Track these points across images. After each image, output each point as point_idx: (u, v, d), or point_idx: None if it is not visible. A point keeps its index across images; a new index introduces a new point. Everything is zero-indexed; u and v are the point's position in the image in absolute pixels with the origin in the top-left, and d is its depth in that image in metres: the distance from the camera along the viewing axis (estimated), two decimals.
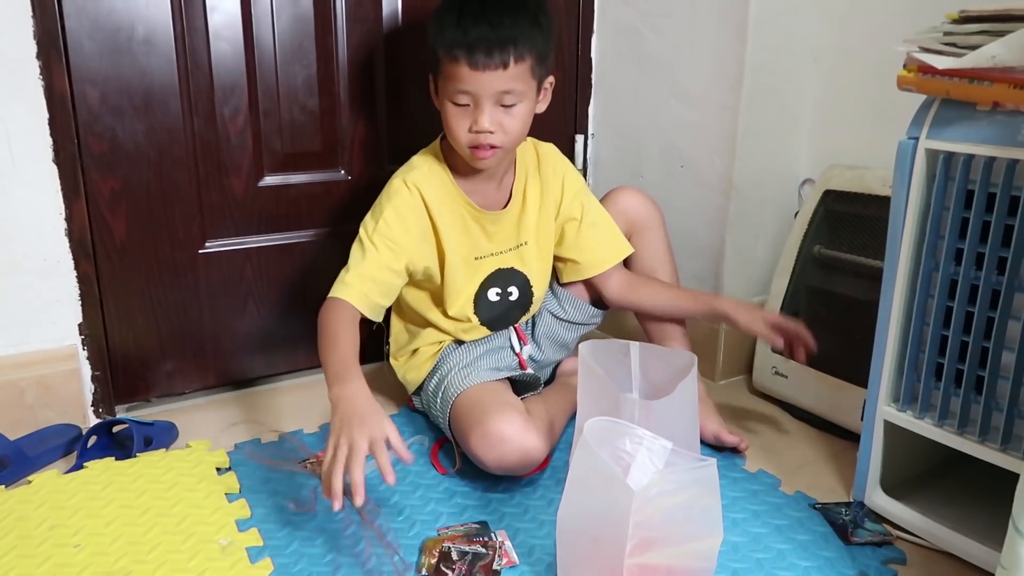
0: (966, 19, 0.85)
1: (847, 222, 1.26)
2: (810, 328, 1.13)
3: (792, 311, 1.34)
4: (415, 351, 1.27)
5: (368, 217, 1.14)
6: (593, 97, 1.65)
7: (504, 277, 1.23)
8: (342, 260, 1.12)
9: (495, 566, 0.90)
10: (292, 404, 1.36)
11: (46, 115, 1.14)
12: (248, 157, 1.32)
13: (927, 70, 0.86)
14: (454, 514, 1.02)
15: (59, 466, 1.14)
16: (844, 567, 0.92)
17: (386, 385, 1.41)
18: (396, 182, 1.16)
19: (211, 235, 1.32)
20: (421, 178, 1.15)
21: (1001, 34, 0.79)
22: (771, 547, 0.96)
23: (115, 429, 1.20)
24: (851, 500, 1.06)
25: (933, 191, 0.91)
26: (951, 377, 0.92)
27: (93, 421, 1.26)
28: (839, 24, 1.35)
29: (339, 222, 1.42)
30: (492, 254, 1.22)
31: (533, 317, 1.31)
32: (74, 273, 1.21)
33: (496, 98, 1.06)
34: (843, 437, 1.24)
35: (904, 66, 0.89)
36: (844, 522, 1.00)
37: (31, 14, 1.10)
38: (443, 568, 0.89)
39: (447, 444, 1.18)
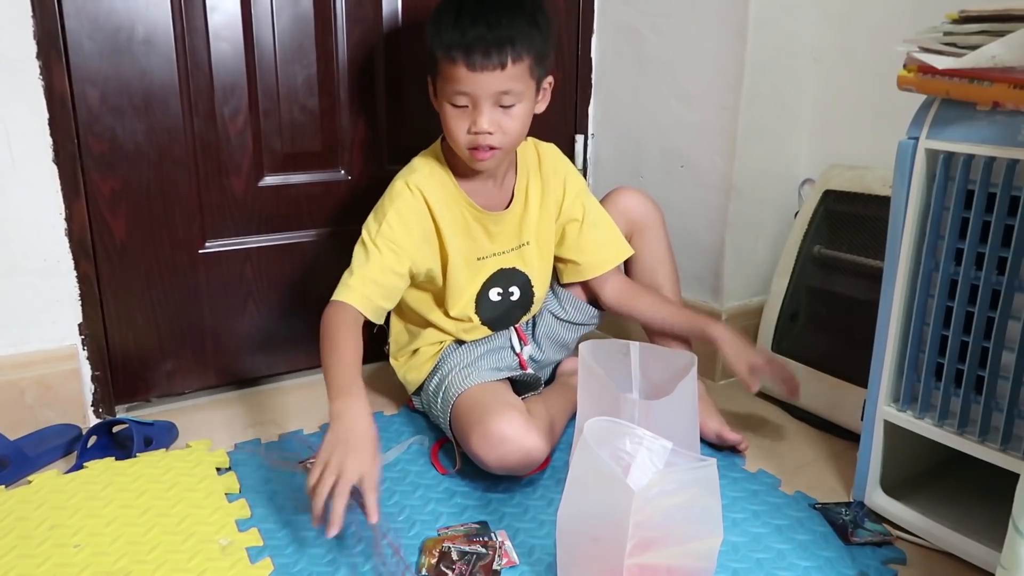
0: (966, 19, 0.85)
1: (847, 222, 1.26)
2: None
3: (792, 311, 1.34)
4: (415, 351, 1.27)
5: (371, 219, 1.14)
6: (593, 97, 1.65)
7: (506, 277, 1.23)
8: (342, 260, 1.13)
9: (495, 566, 0.90)
10: (292, 404, 1.36)
11: (46, 115, 1.14)
12: (248, 157, 1.32)
13: (927, 70, 0.86)
14: (454, 514, 1.02)
15: (59, 466, 1.14)
16: (844, 567, 0.92)
17: (386, 385, 1.42)
18: (398, 184, 1.16)
19: (211, 235, 1.32)
20: (423, 180, 1.15)
21: (1001, 34, 0.79)
22: (771, 547, 0.96)
23: (115, 429, 1.20)
24: (851, 500, 1.06)
25: (933, 191, 0.91)
26: (951, 377, 0.92)
27: (93, 421, 1.26)
28: (839, 24, 1.35)
29: (339, 222, 1.42)
30: (494, 254, 1.22)
31: (534, 317, 1.31)
32: (74, 273, 1.21)
33: (494, 99, 1.06)
34: (843, 437, 1.24)
35: (904, 66, 0.89)
36: (844, 522, 1.00)
37: (31, 14, 1.10)
38: (443, 568, 0.89)
39: (447, 444, 1.18)
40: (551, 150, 1.26)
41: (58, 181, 1.17)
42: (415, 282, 1.19)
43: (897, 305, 0.96)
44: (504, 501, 1.05)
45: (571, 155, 1.64)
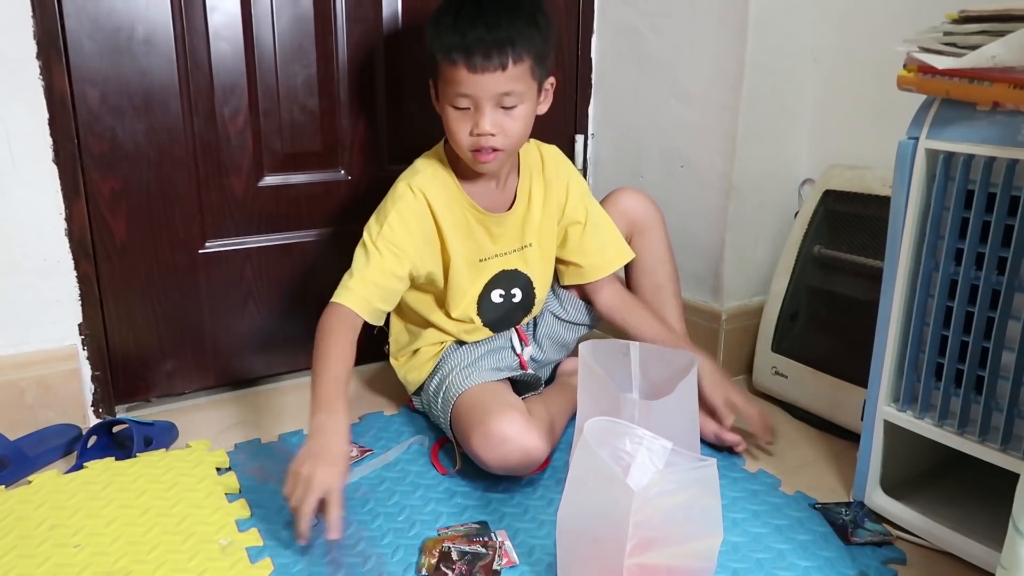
0: (966, 19, 0.85)
1: (847, 222, 1.27)
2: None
3: (792, 311, 1.34)
4: (416, 351, 1.27)
5: (372, 221, 1.14)
6: (593, 97, 1.65)
7: (508, 279, 1.23)
8: (342, 260, 1.13)
9: (495, 566, 0.90)
10: (292, 404, 1.36)
11: (46, 115, 1.14)
12: (248, 157, 1.32)
13: (927, 70, 0.86)
14: (454, 514, 1.02)
15: (59, 466, 1.14)
16: (844, 567, 0.92)
17: (386, 385, 1.42)
18: (401, 186, 1.16)
19: (211, 235, 1.32)
20: (425, 182, 1.15)
21: (1001, 34, 0.79)
22: (771, 547, 0.96)
23: (115, 429, 1.20)
24: (851, 500, 1.06)
25: (933, 191, 0.91)
26: (951, 377, 0.92)
27: (93, 421, 1.26)
28: (839, 24, 1.35)
29: (339, 222, 1.42)
30: (496, 255, 1.22)
31: (535, 318, 1.31)
32: (74, 273, 1.21)
33: (496, 100, 1.06)
34: (843, 437, 1.24)
35: (904, 66, 0.89)
36: (844, 522, 1.00)
37: (31, 14, 1.10)
38: (443, 568, 0.89)
39: (447, 444, 1.18)
40: (554, 152, 1.26)
41: (58, 181, 1.17)
42: (416, 284, 1.19)
43: (897, 305, 0.96)
44: (504, 501, 1.05)
45: (571, 155, 1.64)
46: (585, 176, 1.66)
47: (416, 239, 1.13)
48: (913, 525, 0.98)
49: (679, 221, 1.44)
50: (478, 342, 1.26)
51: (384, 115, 1.43)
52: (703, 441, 1.17)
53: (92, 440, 1.16)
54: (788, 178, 1.46)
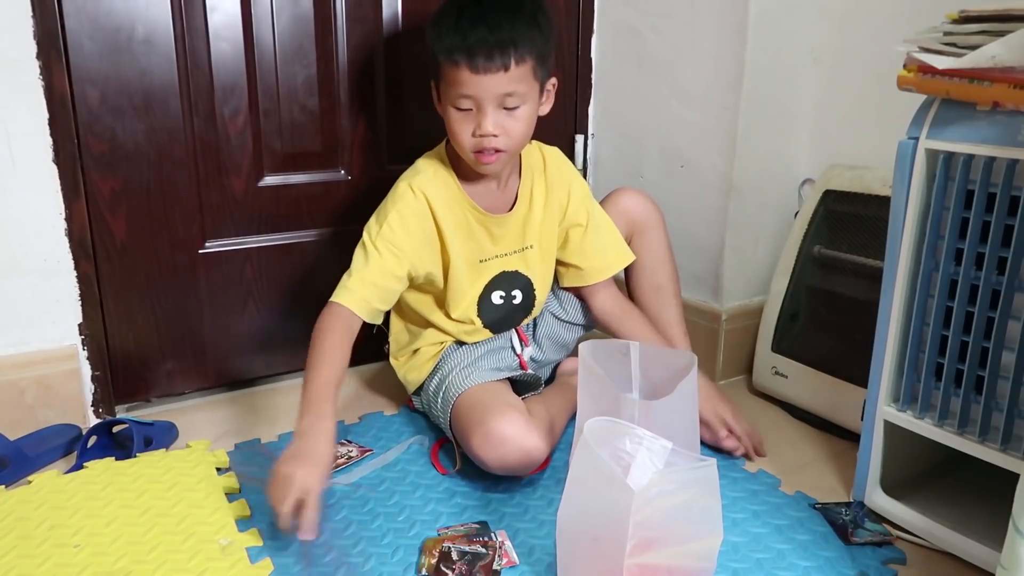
0: (966, 19, 0.85)
1: (847, 222, 1.27)
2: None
3: (792, 311, 1.34)
4: (416, 351, 1.27)
5: (372, 221, 1.14)
6: (593, 97, 1.65)
7: (508, 280, 1.23)
8: (342, 260, 1.12)
9: (495, 566, 0.90)
10: (292, 404, 1.33)
11: (46, 115, 1.14)
12: (248, 157, 1.32)
13: (927, 70, 0.86)
14: (454, 514, 1.02)
15: (59, 466, 1.14)
16: (844, 567, 0.92)
17: (386, 385, 1.42)
18: (402, 186, 1.16)
19: (211, 235, 1.32)
20: (427, 182, 1.15)
21: (1001, 34, 0.79)
22: (771, 547, 0.96)
23: (115, 429, 1.20)
24: (851, 500, 1.06)
25: (933, 191, 0.91)
26: (951, 377, 0.92)
27: (93, 421, 1.26)
28: (839, 24, 1.35)
29: (339, 222, 1.42)
30: (496, 256, 1.21)
31: (534, 318, 1.31)
32: (74, 273, 1.21)
33: (498, 101, 1.06)
34: (843, 437, 1.24)
35: (904, 66, 0.89)
36: (844, 522, 1.00)
37: (31, 14, 1.10)
38: (443, 568, 0.89)
39: (447, 444, 1.18)
40: (556, 154, 1.26)
41: (58, 181, 1.17)
42: (415, 284, 1.19)
43: (897, 305, 0.96)
44: (504, 501, 1.05)
45: (571, 155, 1.64)
46: (585, 176, 1.66)
47: (416, 239, 1.13)
48: (913, 525, 0.98)
49: (679, 221, 1.44)
50: (478, 343, 1.26)
51: (384, 115, 1.43)
52: (702, 443, 1.17)
53: (92, 440, 1.16)
54: (788, 178, 1.46)
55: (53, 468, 1.12)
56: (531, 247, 1.23)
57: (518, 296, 1.24)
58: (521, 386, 1.23)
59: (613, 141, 1.63)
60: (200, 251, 1.32)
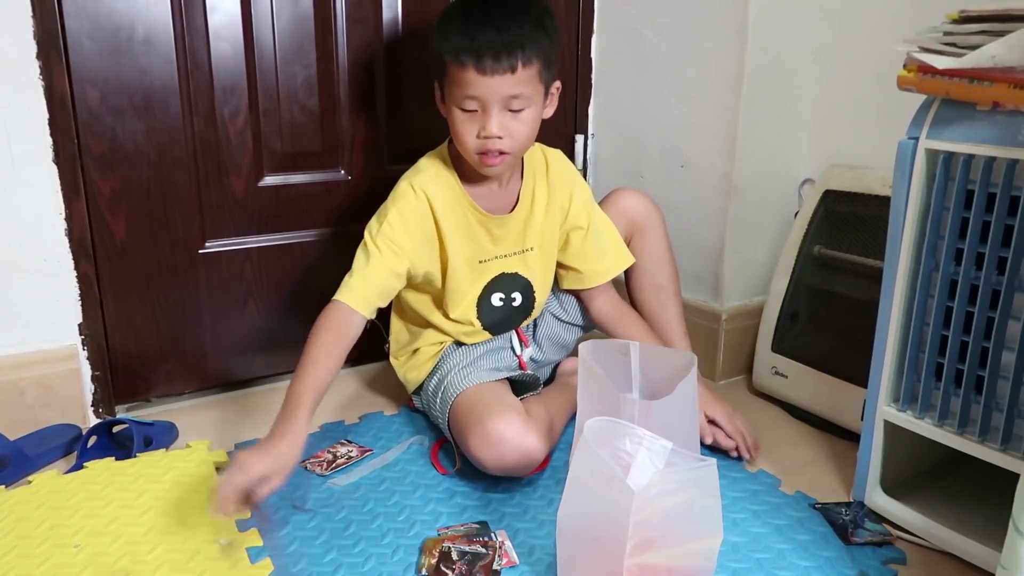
0: (966, 19, 0.85)
1: (847, 222, 1.27)
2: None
3: (792, 311, 1.34)
4: (416, 351, 1.26)
5: (373, 220, 1.14)
6: (593, 97, 1.65)
7: (508, 282, 1.23)
8: (342, 260, 1.12)
9: (495, 566, 0.90)
10: None
11: (46, 115, 1.14)
12: (248, 157, 1.32)
13: (927, 70, 0.86)
14: (454, 514, 1.02)
15: (59, 466, 1.14)
16: (844, 567, 0.92)
17: (386, 385, 1.42)
18: (403, 185, 1.16)
19: (211, 235, 1.32)
20: (428, 181, 1.15)
21: (1001, 34, 0.79)
22: (771, 547, 0.96)
23: (115, 429, 1.20)
24: (851, 500, 1.06)
25: (933, 191, 0.91)
26: (951, 377, 0.92)
27: (93, 421, 1.26)
28: (839, 24, 1.35)
29: (339, 222, 1.42)
30: (496, 257, 1.21)
31: (535, 319, 1.31)
32: (74, 273, 1.21)
33: (504, 103, 1.06)
34: (843, 437, 1.24)
35: (904, 66, 0.89)
36: (844, 522, 1.00)
37: (31, 14, 1.10)
38: (443, 568, 0.89)
39: (447, 444, 1.18)
40: (558, 156, 1.26)
41: (58, 181, 1.17)
42: (413, 283, 1.19)
43: (897, 305, 0.96)
44: (504, 501, 1.05)
45: (571, 155, 1.64)
46: (585, 176, 1.66)
47: (415, 238, 1.13)
48: (913, 525, 0.98)
49: (679, 221, 1.44)
50: (477, 343, 1.25)
51: (384, 115, 1.43)
52: (701, 443, 1.17)
53: (92, 440, 1.16)
54: (788, 178, 1.46)
55: (53, 468, 1.12)
56: (531, 249, 1.23)
57: (518, 298, 1.24)
58: (520, 386, 1.23)
59: (613, 141, 1.63)
60: (200, 251, 1.32)
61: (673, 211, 1.40)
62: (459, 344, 1.25)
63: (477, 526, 0.99)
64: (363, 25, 1.36)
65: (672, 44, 1.45)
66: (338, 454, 1.16)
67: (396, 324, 1.30)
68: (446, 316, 1.22)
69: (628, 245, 1.28)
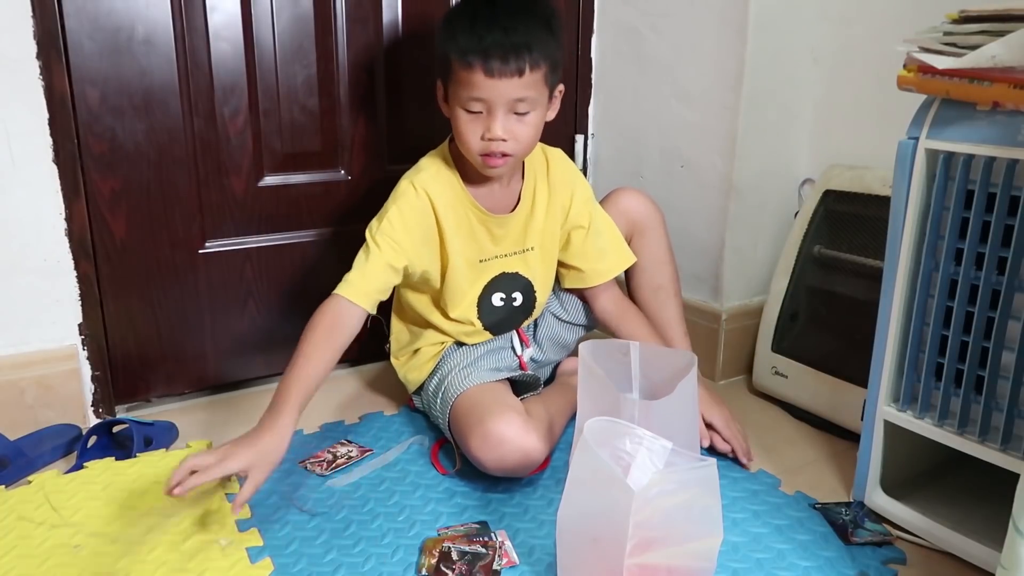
0: (966, 19, 0.85)
1: (847, 222, 1.27)
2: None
3: (792, 311, 1.34)
4: (416, 351, 1.26)
5: (374, 219, 1.14)
6: (593, 97, 1.65)
7: (509, 282, 1.23)
8: (342, 260, 1.12)
9: (495, 566, 0.90)
10: None
11: (46, 115, 1.14)
12: (248, 157, 1.32)
13: (927, 70, 0.86)
14: (454, 514, 1.02)
15: (59, 466, 1.14)
16: (844, 567, 0.92)
17: (386, 385, 1.42)
18: (403, 184, 1.15)
19: (211, 235, 1.33)
20: (429, 180, 1.15)
21: (1001, 34, 0.79)
22: (771, 547, 0.96)
23: (115, 429, 1.20)
24: (851, 500, 1.06)
25: (933, 191, 0.91)
26: (951, 377, 0.92)
27: (93, 421, 1.26)
28: (839, 24, 1.35)
29: (339, 222, 1.42)
30: (497, 257, 1.21)
31: (535, 319, 1.31)
32: (74, 273, 1.21)
33: (510, 106, 1.05)
34: (843, 437, 1.24)
35: (904, 66, 0.89)
36: (844, 522, 1.00)
37: (31, 14, 1.10)
38: (443, 568, 0.89)
39: (447, 444, 1.18)
40: (559, 156, 1.26)
41: (58, 181, 1.17)
42: (411, 283, 1.19)
43: (897, 305, 0.96)
44: (504, 501, 1.05)
45: (571, 155, 1.64)
46: (585, 176, 1.65)
47: (414, 236, 1.13)
48: (913, 525, 0.98)
49: (679, 221, 1.44)
50: (478, 344, 1.25)
51: (384, 115, 1.43)
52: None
53: (92, 440, 1.16)
54: (788, 178, 1.46)
55: (53, 468, 1.12)
56: (532, 249, 1.23)
57: (519, 298, 1.24)
58: (521, 386, 1.23)
59: (613, 141, 1.63)
60: (200, 251, 1.32)
61: (673, 211, 1.40)
62: (460, 344, 1.25)
63: (477, 526, 0.99)
64: (363, 25, 1.36)
65: (672, 44, 1.45)
66: (338, 454, 1.16)
67: (396, 324, 1.30)
68: (446, 316, 1.22)
69: (628, 245, 1.28)
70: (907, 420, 0.97)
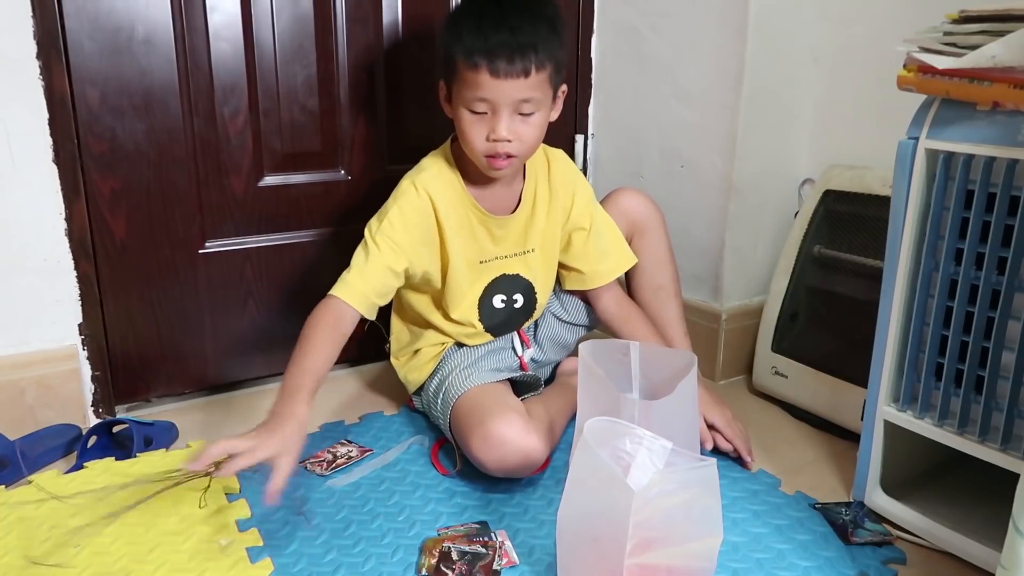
0: (966, 19, 0.85)
1: (847, 222, 1.27)
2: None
3: (792, 311, 1.34)
4: (417, 351, 1.26)
5: (374, 218, 1.14)
6: (593, 97, 1.65)
7: (509, 284, 1.23)
8: (342, 260, 1.12)
9: (495, 566, 0.90)
10: None
11: (46, 115, 1.14)
12: (248, 157, 1.32)
13: (927, 70, 0.86)
14: (454, 514, 1.02)
15: (59, 466, 1.14)
16: (844, 567, 0.92)
17: (386, 385, 1.42)
18: (404, 184, 1.15)
19: (211, 235, 1.33)
20: (430, 180, 1.15)
21: (1001, 34, 0.79)
22: (771, 547, 0.96)
23: (115, 429, 1.20)
24: (851, 500, 1.06)
25: (933, 191, 0.91)
26: (951, 377, 0.92)
27: (93, 421, 1.26)
28: (839, 24, 1.35)
29: (339, 222, 1.42)
30: (497, 257, 1.21)
31: (536, 320, 1.31)
32: (74, 273, 1.21)
33: (514, 107, 1.05)
34: (843, 437, 1.24)
35: (904, 66, 0.89)
36: (844, 522, 1.00)
37: (31, 14, 1.10)
38: (443, 568, 0.89)
39: (447, 444, 1.18)
40: (561, 157, 1.25)
41: (58, 181, 1.17)
42: (412, 283, 1.19)
43: (897, 305, 0.96)
44: (504, 501, 1.05)
45: (571, 155, 1.64)
46: (585, 176, 1.65)
47: (414, 236, 1.13)
48: (913, 525, 0.98)
49: (679, 221, 1.44)
50: (479, 344, 1.25)
51: (384, 115, 1.43)
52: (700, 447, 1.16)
53: (92, 440, 1.16)
54: (788, 178, 1.46)
55: (53, 468, 1.12)
56: (532, 250, 1.23)
57: (519, 300, 1.24)
58: (521, 386, 1.23)
59: (613, 141, 1.63)
60: (200, 251, 1.32)
61: (673, 211, 1.40)
62: (460, 345, 1.25)
63: (477, 526, 0.99)
64: (363, 25, 1.36)
65: (672, 44, 1.45)
66: (338, 454, 1.16)
67: (397, 324, 1.30)
68: (446, 317, 1.22)
69: (628, 245, 1.28)
70: (907, 420, 0.97)
